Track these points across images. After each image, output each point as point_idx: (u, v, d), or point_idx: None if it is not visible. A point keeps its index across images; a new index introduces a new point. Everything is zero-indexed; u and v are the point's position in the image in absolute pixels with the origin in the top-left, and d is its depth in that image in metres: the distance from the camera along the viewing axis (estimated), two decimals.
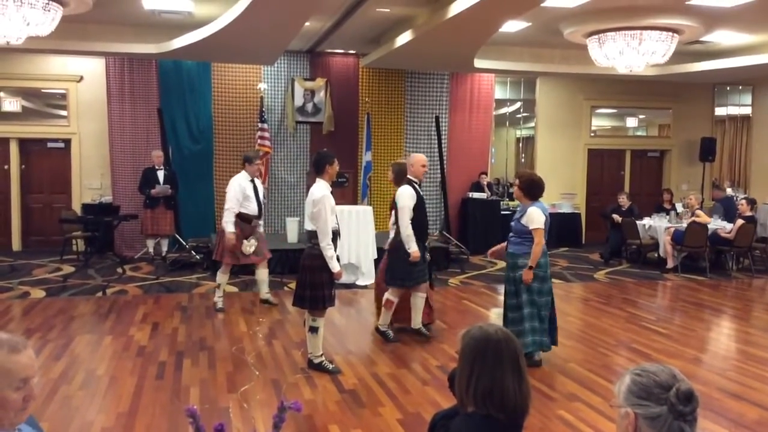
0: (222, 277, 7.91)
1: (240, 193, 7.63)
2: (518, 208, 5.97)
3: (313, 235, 5.56)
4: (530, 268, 5.65)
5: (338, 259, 5.65)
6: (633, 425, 1.74)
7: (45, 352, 6.07)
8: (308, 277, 5.57)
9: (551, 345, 5.96)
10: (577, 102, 14.15)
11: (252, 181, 7.81)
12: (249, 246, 7.69)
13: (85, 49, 10.43)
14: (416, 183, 6.51)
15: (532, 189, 5.77)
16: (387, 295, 6.60)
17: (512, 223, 5.91)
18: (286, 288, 9.08)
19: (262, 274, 8.11)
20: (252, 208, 7.77)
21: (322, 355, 5.72)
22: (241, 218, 7.67)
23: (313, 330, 5.67)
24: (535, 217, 5.64)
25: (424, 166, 6.57)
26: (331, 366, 5.67)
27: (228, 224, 7.54)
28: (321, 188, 5.55)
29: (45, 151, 12.14)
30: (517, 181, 5.96)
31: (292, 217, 11.22)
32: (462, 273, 10.56)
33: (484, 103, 13.40)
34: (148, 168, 11.05)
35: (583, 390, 5.29)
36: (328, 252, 5.48)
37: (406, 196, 6.36)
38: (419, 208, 6.42)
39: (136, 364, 5.80)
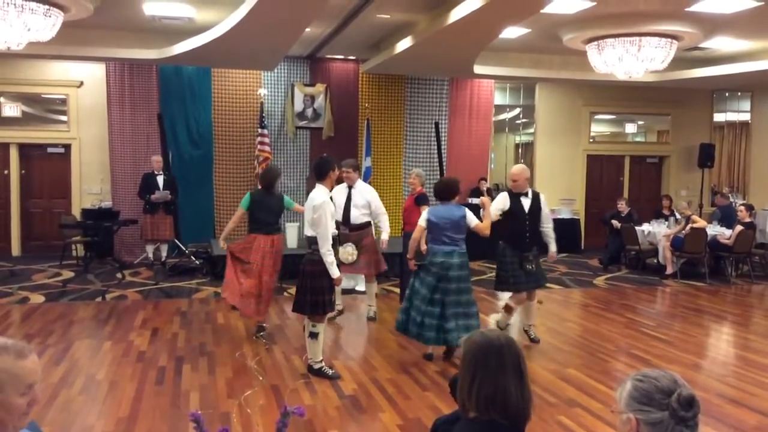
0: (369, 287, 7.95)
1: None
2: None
3: (312, 241, 5.57)
4: (409, 258, 6.20)
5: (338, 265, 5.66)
6: (635, 431, 1.75)
7: (45, 357, 6.06)
8: (308, 282, 5.58)
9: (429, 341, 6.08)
10: (576, 108, 14.18)
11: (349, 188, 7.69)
12: (346, 254, 7.16)
13: (85, 54, 10.44)
14: (516, 193, 6.64)
15: (440, 192, 6.20)
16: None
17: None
18: (285, 294, 9.08)
19: (369, 288, 7.99)
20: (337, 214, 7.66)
21: (322, 360, 5.72)
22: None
23: (313, 335, 5.68)
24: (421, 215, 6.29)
25: (512, 180, 6.72)
26: (331, 371, 5.67)
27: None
28: (321, 194, 5.56)
29: (45, 156, 12.15)
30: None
31: (292, 222, 11.20)
32: None
33: (483, 109, 13.43)
34: (148, 173, 11.05)
35: (582, 396, 5.30)
36: (328, 258, 5.49)
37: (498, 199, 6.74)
38: (513, 216, 6.54)
39: (135, 370, 5.80)
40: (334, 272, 5.53)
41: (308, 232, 5.64)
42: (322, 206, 5.45)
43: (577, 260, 12.69)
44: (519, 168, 6.79)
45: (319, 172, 5.70)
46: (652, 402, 1.73)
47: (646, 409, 1.74)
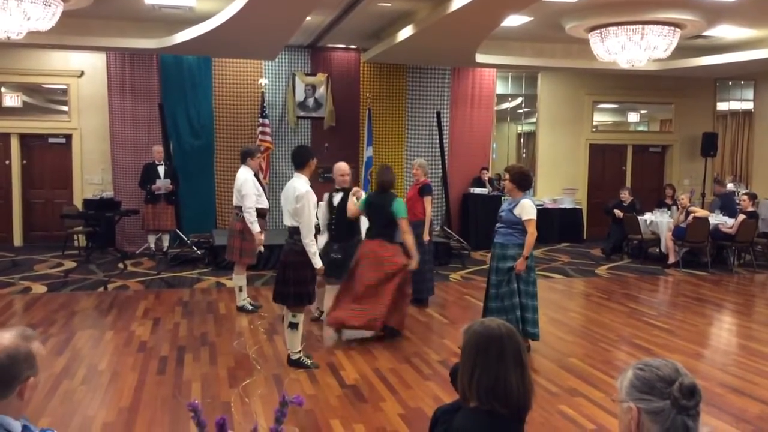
0: (242, 278, 7.60)
1: (255, 188, 7.44)
2: (506, 200, 6.06)
3: (294, 231, 5.54)
4: (525, 258, 5.76)
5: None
6: (636, 420, 1.73)
7: (46, 348, 6.04)
8: (291, 273, 5.54)
9: (534, 337, 5.98)
10: (578, 97, 14.12)
11: (255, 175, 7.65)
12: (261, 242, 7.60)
13: (85, 44, 10.41)
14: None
15: (523, 181, 5.92)
16: None
17: (502, 214, 6.00)
18: None
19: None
20: (264, 202, 7.66)
21: (300, 351, 5.66)
22: (258, 214, 7.47)
23: (293, 326, 5.61)
24: (528, 208, 5.80)
25: (341, 174, 6.91)
26: (309, 362, 5.62)
27: (254, 224, 7.27)
28: (303, 183, 5.51)
29: (46, 146, 12.14)
30: (507, 175, 6.06)
31: None
32: (463, 268, 10.56)
33: (485, 98, 13.36)
34: (149, 163, 11.03)
35: (584, 385, 5.30)
36: (312, 248, 5.46)
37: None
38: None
39: (137, 359, 5.80)
40: (317, 262, 5.51)
41: (288, 222, 5.61)
42: (305, 196, 5.41)
43: (579, 250, 12.68)
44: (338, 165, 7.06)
45: (299, 161, 5.64)
46: (654, 391, 1.72)
47: (647, 398, 1.72)
